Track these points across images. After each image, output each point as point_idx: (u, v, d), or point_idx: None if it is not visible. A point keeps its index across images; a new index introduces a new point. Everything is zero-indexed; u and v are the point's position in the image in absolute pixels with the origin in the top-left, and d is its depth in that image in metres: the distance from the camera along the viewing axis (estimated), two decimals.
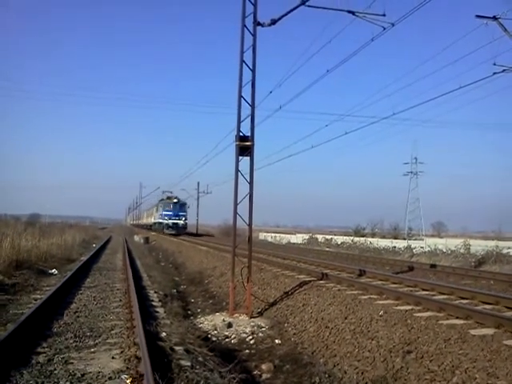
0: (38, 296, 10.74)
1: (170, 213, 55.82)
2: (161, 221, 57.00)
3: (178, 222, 55.69)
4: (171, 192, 62.20)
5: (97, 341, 7.32)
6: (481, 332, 6.96)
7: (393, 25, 11.81)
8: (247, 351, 8.45)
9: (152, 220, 65.82)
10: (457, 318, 7.94)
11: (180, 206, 56.86)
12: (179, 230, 54.39)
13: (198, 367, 6.21)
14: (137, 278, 14.99)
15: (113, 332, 7.90)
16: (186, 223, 58.07)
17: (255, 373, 7.32)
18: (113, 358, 6.38)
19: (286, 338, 8.95)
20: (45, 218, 76.24)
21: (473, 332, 6.97)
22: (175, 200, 56.92)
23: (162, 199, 60.16)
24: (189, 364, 6.29)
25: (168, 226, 55.49)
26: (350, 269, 15.64)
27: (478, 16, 8.40)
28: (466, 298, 9.90)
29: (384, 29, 11.89)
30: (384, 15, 11.77)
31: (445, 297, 10.09)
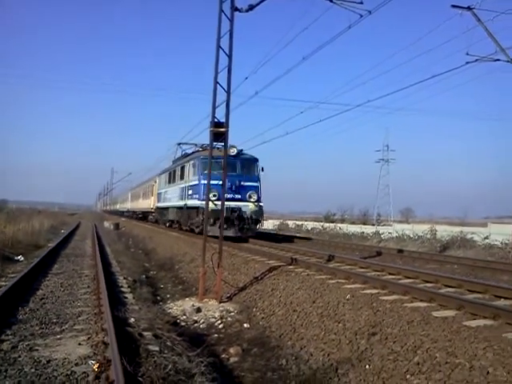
0: (3, 283, 10.53)
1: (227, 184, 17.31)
2: (193, 203, 22.16)
3: (247, 205, 20.82)
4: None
5: (63, 327, 7.26)
6: (443, 314, 7.19)
7: (370, 12, 11.85)
8: (216, 335, 8.52)
9: (154, 202, 35.23)
10: (421, 300, 8.18)
11: (248, 166, 22.22)
12: (249, 230, 20.94)
13: (166, 352, 6.24)
14: (106, 264, 14.84)
15: (80, 318, 7.85)
16: (262, 209, 21.71)
17: (223, 356, 7.40)
18: (79, 344, 6.34)
19: (254, 322, 9.05)
20: (12, 204, 74.07)
21: (435, 314, 7.19)
22: (234, 151, 20.86)
23: (196, 152, 25.63)
24: (157, 349, 6.31)
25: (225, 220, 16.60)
26: (319, 254, 15.83)
27: (453, 6, 8.52)
28: (431, 282, 10.18)
29: (361, 16, 11.93)
30: (361, 3, 11.80)
31: (410, 281, 10.34)
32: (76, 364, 5.53)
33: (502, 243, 21.05)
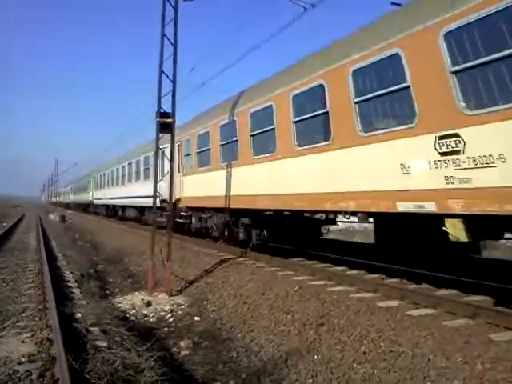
0: None
1: None
2: None
3: None
4: None
5: (5, 324, 7.01)
6: (387, 304, 7.46)
7: (313, 6, 12.03)
8: (166, 329, 8.45)
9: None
10: (366, 291, 8.44)
11: None
12: None
13: (114, 347, 6.13)
14: (51, 258, 14.38)
15: (24, 315, 7.59)
16: None
17: (174, 350, 7.36)
18: (23, 341, 6.14)
19: (205, 314, 9.05)
20: None
21: (380, 304, 7.46)
22: None
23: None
24: (105, 344, 6.19)
25: None
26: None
27: (393, 3, 8.71)
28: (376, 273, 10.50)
29: (305, 10, 12.08)
30: None
31: (356, 272, 10.62)
32: (19, 363, 5.35)
33: None
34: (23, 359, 5.46)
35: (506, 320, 6.12)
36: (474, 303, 7.01)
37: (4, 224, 32.02)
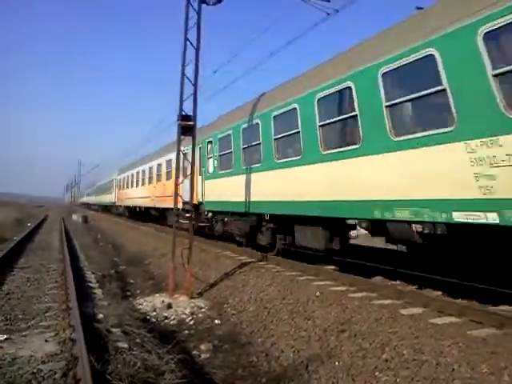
0: None
1: None
2: None
3: None
4: None
5: (29, 324, 7.11)
6: (410, 311, 7.33)
7: (337, 11, 11.97)
8: (186, 332, 8.48)
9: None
10: (388, 298, 8.32)
11: None
12: None
13: (135, 349, 6.18)
14: (74, 258, 14.59)
15: (47, 314, 7.70)
16: None
17: (194, 353, 7.37)
18: (46, 341, 6.23)
19: (225, 318, 9.04)
20: None
21: (402, 311, 7.34)
22: None
23: None
24: (126, 346, 6.24)
25: None
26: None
27: (417, 7, 8.58)
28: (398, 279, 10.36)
29: (328, 14, 12.02)
30: (329, 1, 11.90)
31: (378, 278, 10.48)
32: (42, 362, 5.42)
33: None
34: (47, 358, 5.52)
35: None
36: (501, 313, 6.85)
37: (28, 224, 32.62)
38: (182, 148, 11.70)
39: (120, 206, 40.32)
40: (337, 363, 6.18)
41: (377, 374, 5.62)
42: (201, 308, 9.72)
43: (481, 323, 6.54)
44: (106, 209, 54.12)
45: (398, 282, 9.81)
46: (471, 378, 4.93)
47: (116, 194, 41.05)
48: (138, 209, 31.25)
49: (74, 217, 46.48)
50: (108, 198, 47.39)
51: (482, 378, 4.86)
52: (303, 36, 13.67)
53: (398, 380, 5.34)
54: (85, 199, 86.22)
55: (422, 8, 8.25)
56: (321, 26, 12.69)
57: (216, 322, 8.90)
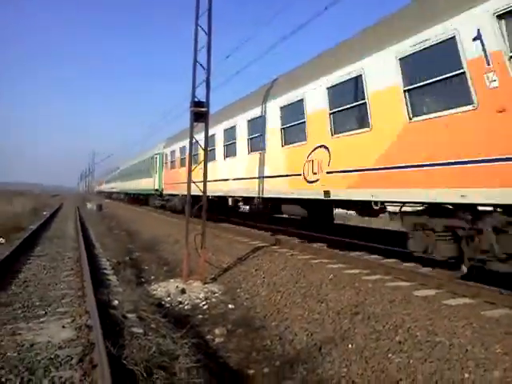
0: None
1: None
2: None
3: None
4: None
5: (46, 310, 7.22)
6: (423, 293, 7.32)
7: None
8: (200, 316, 8.55)
9: None
10: (402, 280, 8.30)
11: None
12: None
13: (150, 334, 6.25)
14: (89, 246, 14.74)
15: (63, 301, 7.81)
16: None
17: (208, 337, 7.45)
18: (63, 327, 6.32)
19: (238, 302, 9.10)
20: None
21: (416, 293, 7.33)
22: None
23: None
24: (141, 331, 6.31)
25: None
26: (302, 234, 15.88)
27: None
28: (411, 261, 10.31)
29: None
30: None
31: (392, 260, 10.45)
32: (60, 347, 5.52)
33: None
34: (63, 344, 5.62)
35: None
36: None
37: (44, 213, 33.02)
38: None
39: (172, 195, 25.79)
40: (350, 346, 6.20)
41: (390, 355, 5.64)
42: (214, 293, 9.79)
43: (494, 304, 6.51)
44: (137, 199, 41.88)
45: (412, 264, 9.76)
46: (485, 359, 4.92)
47: (162, 176, 27.73)
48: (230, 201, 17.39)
49: (89, 205, 46.92)
50: (144, 184, 33.65)
51: (496, 359, 4.85)
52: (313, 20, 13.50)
53: (411, 361, 5.35)
54: (104, 187, 78.11)
55: None
56: (331, 10, 12.50)
57: (230, 306, 8.96)
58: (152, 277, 11.86)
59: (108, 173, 67.49)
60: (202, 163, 11.66)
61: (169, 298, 9.50)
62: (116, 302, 7.77)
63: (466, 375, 4.78)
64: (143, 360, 5.18)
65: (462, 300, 6.83)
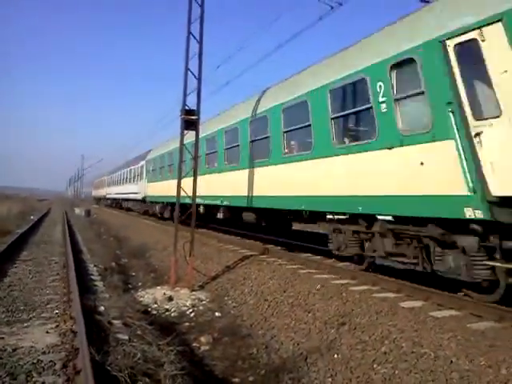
0: None
1: None
2: None
3: None
4: None
5: (31, 315, 7.15)
6: (410, 304, 7.35)
7: (340, 4, 11.94)
8: (187, 324, 8.52)
9: None
10: (389, 291, 8.33)
11: None
12: None
13: (135, 340, 6.19)
14: (76, 251, 14.62)
15: (48, 306, 7.73)
16: None
17: (194, 345, 7.41)
18: (47, 332, 6.26)
19: (225, 310, 9.07)
20: None
21: (403, 304, 7.36)
22: None
23: None
24: (126, 337, 6.26)
25: None
26: (291, 244, 15.89)
27: (421, 0, 8.52)
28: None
29: (332, 8, 11.99)
30: None
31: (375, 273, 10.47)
32: (43, 353, 5.45)
33: None
34: (47, 349, 5.56)
35: None
36: (500, 307, 6.86)
37: (32, 217, 32.73)
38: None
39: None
40: (336, 356, 6.20)
41: (375, 366, 5.64)
42: (202, 300, 9.75)
43: (480, 316, 6.56)
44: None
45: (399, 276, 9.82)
46: (469, 371, 4.95)
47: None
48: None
49: (77, 210, 46.56)
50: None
51: (480, 371, 4.88)
52: (308, 29, 13.62)
53: (396, 372, 5.36)
54: (106, 191, 55.76)
55: (425, 1, 8.14)
56: (326, 20, 12.66)
57: (216, 314, 8.93)
58: (139, 283, 11.80)
59: (114, 171, 50.36)
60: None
61: (155, 305, 9.45)
62: (102, 308, 7.71)
63: None
64: (128, 367, 5.13)
65: (448, 312, 6.86)
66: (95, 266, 12.53)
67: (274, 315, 8.17)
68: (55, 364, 5.09)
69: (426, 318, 6.60)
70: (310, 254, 13.00)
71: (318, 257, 12.39)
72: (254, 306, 8.82)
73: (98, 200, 69.26)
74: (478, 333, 5.82)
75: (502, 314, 6.41)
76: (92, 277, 10.94)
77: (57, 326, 6.54)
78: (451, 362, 5.22)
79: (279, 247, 14.61)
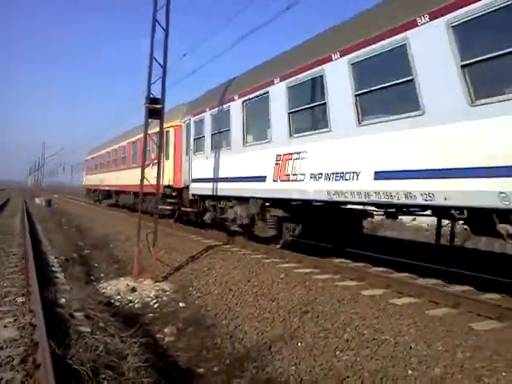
0: None
1: None
2: None
3: None
4: None
5: None
6: (371, 292, 7.51)
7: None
8: (151, 315, 8.45)
9: None
10: (351, 279, 8.49)
11: None
12: None
13: (98, 333, 6.10)
14: (36, 242, 14.26)
15: (6, 299, 7.52)
16: None
17: (158, 336, 7.36)
18: (5, 326, 6.08)
19: (190, 301, 9.04)
20: None
21: (364, 292, 7.51)
22: None
23: None
24: (88, 330, 6.15)
25: None
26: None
27: None
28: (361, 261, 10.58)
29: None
30: None
31: (341, 260, 10.66)
32: (0, 348, 5.30)
33: None
34: (5, 344, 5.40)
35: (487, 309, 6.20)
36: (457, 293, 7.10)
37: None
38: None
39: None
40: (299, 344, 6.28)
41: (338, 353, 5.74)
42: (165, 291, 9.68)
43: (438, 303, 6.77)
44: None
45: (362, 264, 10.02)
46: (427, 356, 5.10)
47: None
48: None
49: (37, 200, 45.33)
50: None
51: (438, 356, 5.04)
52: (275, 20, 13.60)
53: (357, 359, 5.47)
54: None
55: None
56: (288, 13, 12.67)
57: (181, 304, 8.89)
58: (102, 275, 11.61)
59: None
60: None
61: (118, 297, 9.33)
62: (63, 301, 7.55)
63: (410, 372, 4.93)
64: (90, 360, 5.04)
65: (408, 299, 7.05)
66: (56, 257, 12.26)
67: (239, 305, 8.19)
68: (13, 359, 4.95)
69: (387, 305, 6.77)
70: (274, 244, 13.07)
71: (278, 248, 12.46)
72: (219, 296, 8.82)
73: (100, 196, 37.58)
74: (436, 319, 6.01)
75: (459, 301, 6.64)
76: (53, 268, 10.69)
77: (15, 319, 6.36)
78: (410, 347, 5.37)
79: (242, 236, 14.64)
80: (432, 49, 6.70)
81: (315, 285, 8.10)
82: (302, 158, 9.63)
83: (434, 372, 4.79)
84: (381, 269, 9.45)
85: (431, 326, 5.76)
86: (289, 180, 10.03)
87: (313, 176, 9.24)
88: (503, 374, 4.41)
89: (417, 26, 6.89)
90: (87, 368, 4.84)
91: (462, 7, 6.17)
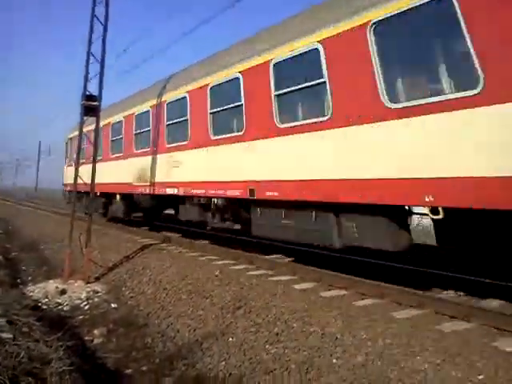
0: None
1: None
2: None
3: None
4: None
5: None
6: (303, 286, 7.67)
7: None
8: (80, 317, 8.18)
9: None
10: (284, 274, 8.63)
11: None
12: None
13: (20, 339, 5.82)
14: None
15: None
16: None
17: (86, 338, 7.14)
18: None
19: (122, 301, 8.85)
20: None
21: (296, 286, 7.66)
22: None
23: None
24: (10, 336, 5.87)
25: None
26: (191, 231, 15.88)
27: None
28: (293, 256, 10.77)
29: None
30: None
31: (276, 256, 10.81)
32: None
33: None
34: None
35: (408, 299, 6.50)
36: (382, 285, 7.38)
37: None
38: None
39: None
40: (230, 339, 6.30)
41: (267, 346, 5.82)
42: (97, 292, 9.42)
43: (364, 294, 7.02)
44: None
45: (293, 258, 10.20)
46: (351, 345, 5.27)
47: None
48: None
49: None
50: None
51: (361, 344, 5.22)
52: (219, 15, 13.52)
53: (286, 351, 5.56)
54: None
55: None
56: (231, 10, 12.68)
57: (112, 305, 8.68)
58: (29, 278, 11.12)
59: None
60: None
61: (46, 300, 8.96)
62: None
63: (334, 361, 5.08)
64: (9, 368, 4.82)
65: (336, 292, 7.27)
66: None
67: (172, 303, 8.11)
68: None
69: (317, 298, 6.94)
70: (208, 241, 13.07)
71: (216, 244, 12.48)
72: (152, 296, 8.69)
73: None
74: (362, 309, 6.23)
75: (384, 291, 6.91)
76: None
77: None
78: (336, 338, 5.53)
79: (180, 235, 14.53)
80: None
81: (249, 281, 8.16)
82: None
83: (357, 359, 4.96)
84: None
85: (356, 317, 5.96)
86: None
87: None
88: (417, 357, 4.64)
89: None
90: (5, 377, 4.62)
91: None
